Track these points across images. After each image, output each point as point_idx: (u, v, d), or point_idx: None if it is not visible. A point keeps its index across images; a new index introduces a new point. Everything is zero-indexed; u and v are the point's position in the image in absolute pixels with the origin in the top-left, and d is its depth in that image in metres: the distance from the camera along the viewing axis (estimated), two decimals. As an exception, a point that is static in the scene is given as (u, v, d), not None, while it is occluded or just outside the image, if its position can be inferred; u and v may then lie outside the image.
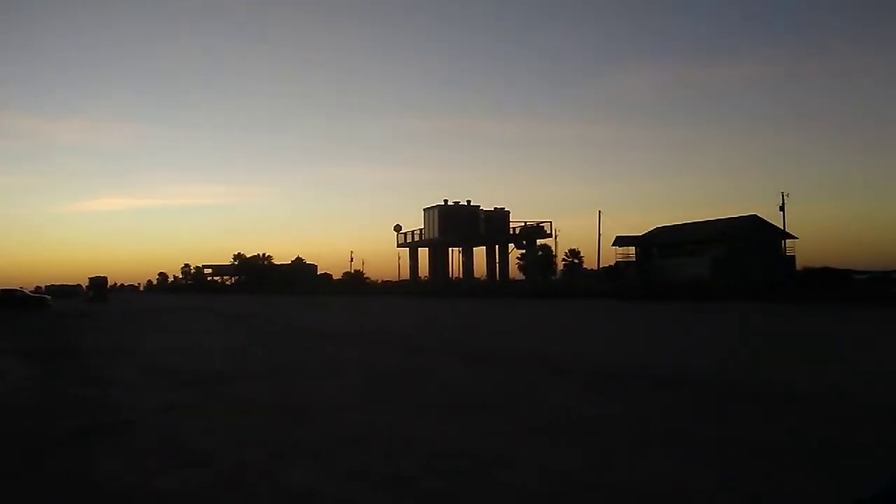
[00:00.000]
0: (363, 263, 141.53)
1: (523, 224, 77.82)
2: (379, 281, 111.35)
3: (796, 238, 64.78)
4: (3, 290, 55.05)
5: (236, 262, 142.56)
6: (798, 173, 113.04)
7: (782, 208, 63.25)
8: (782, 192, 63.74)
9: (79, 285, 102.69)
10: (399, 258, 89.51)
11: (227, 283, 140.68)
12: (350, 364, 13.69)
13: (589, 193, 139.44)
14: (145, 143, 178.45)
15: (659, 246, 69.75)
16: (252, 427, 7.67)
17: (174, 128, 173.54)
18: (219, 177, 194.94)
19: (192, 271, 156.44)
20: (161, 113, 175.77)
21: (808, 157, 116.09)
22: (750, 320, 25.31)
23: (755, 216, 65.15)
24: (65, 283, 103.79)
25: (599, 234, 74.37)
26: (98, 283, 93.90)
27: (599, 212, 74.26)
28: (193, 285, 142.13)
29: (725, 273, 55.22)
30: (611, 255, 73.33)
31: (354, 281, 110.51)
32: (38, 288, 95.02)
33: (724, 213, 68.87)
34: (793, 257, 63.70)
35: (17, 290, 57.75)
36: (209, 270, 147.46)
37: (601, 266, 73.28)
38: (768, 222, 64.44)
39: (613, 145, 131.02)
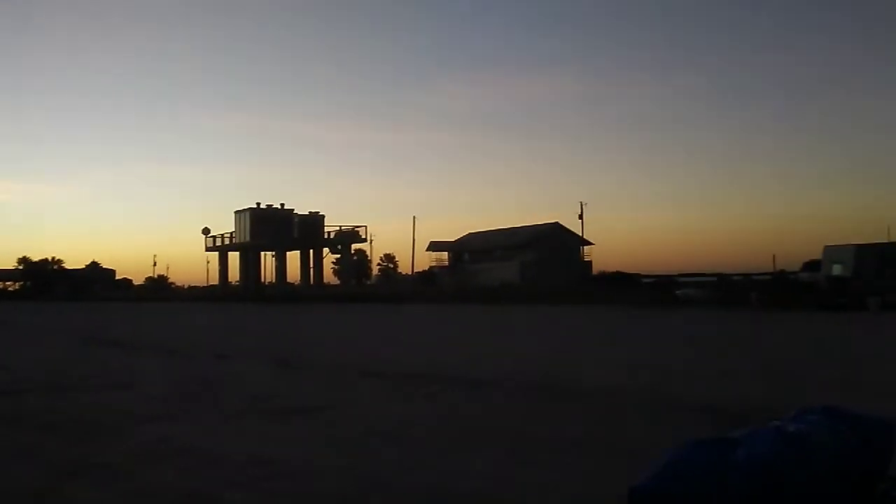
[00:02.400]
0: (168, 268, 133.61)
1: (338, 228, 77.44)
2: (185, 286, 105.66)
3: (593, 244, 69.99)
4: None
5: (20, 267, 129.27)
6: (597, 183, 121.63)
7: (581, 216, 68.02)
8: (580, 202, 68.62)
9: None
10: (208, 262, 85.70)
11: (10, 288, 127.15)
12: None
13: (404, 199, 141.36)
14: None
15: (470, 251, 72.35)
16: (32, 442, 6.92)
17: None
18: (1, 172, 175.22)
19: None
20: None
21: (606, 167, 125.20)
22: (531, 319, 26.91)
23: (557, 224, 69.59)
24: None
25: (414, 240, 75.80)
26: None
27: (414, 217, 75.70)
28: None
29: (532, 277, 58.41)
30: (425, 261, 75.01)
31: (157, 286, 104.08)
32: None
33: (532, 220, 72.91)
34: (590, 262, 68.71)
35: None
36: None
37: (415, 271, 74.69)
38: (569, 229, 69.07)
39: (428, 152, 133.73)
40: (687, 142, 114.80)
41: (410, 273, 76.29)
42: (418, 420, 7.85)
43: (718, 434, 2.15)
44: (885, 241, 40.37)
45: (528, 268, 62.77)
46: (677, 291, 42.12)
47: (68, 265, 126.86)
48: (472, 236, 74.28)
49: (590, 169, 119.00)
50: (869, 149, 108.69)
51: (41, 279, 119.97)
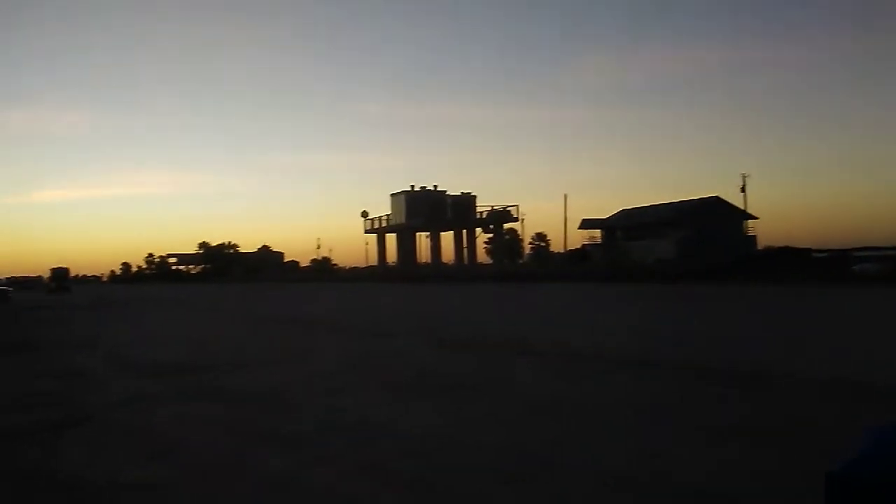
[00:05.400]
0: (330, 250, 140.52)
1: (490, 208, 78.08)
2: (346, 267, 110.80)
3: (757, 218, 66.04)
4: (-40, 282, 53.76)
5: (202, 251, 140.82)
6: (759, 154, 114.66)
7: (743, 189, 64.32)
8: (742, 174, 64.81)
9: (39, 277, 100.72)
10: (367, 244, 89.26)
11: (193, 272, 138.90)
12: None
13: (555, 177, 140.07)
14: (102, 132, 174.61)
15: (624, 228, 70.48)
16: (217, 414, 7.62)
17: (133, 116, 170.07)
18: (184, 165, 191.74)
19: (156, 261, 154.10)
20: (119, 101, 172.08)
21: (768, 137, 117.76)
22: (692, 298, 25.76)
23: (717, 197, 66.24)
24: (25, 276, 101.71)
25: (566, 218, 75.00)
26: (59, 274, 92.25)
27: (566, 195, 74.93)
28: (158, 275, 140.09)
29: (689, 254, 56.09)
30: (577, 239, 73.99)
31: (322, 268, 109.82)
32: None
33: (688, 195, 69.91)
34: (754, 237, 64.89)
35: (-26, 283, 56.45)
36: (174, 260, 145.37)
37: (567, 249, 73.90)
38: (730, 203, 65.55)
39: (579, 129, 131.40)
40: (857, 107, 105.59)
41: (563, 251, 75.72)
42: (578, 399, 7.85)
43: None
44: None
45: (686, 244, 60.29)
46: (854, 266, 38.92)
47: (242, 249, 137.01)
48: (625, 213, 72.39)
49: (750, 140, 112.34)
50: None
51: (219, 262, 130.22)
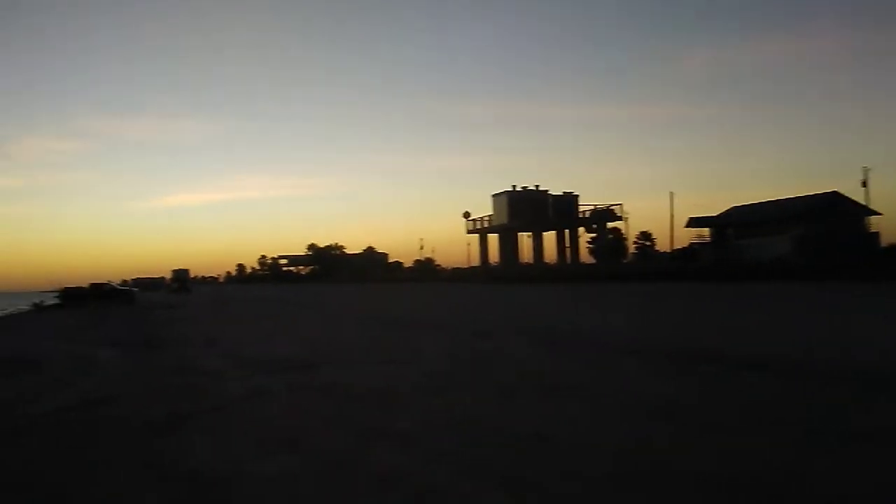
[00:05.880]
0: (433, 251, 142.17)
1: (593, 207, 76.96)
2: (449, 268, 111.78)
3: (880, 214, 62.08)
4: (93, 283, 57.94)
5: (310, 253, 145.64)
6: (879, 147, 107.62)
7: (864, 184, 60.58)
8: (864, 167, 61.03)
9: (162, 278, 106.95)
10: (469, 245, 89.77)
11: (302, 272, 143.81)
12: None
13: (660, 175, 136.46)
14: (217, 138, 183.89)
15: (735, 226, 67.76)
16: (335, 411, 7.89)
17: (245, 122, 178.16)
18: (291, 169, 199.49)
19: (268, 262, 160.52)
20: (232, 108, 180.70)
21: (892, 128, 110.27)
22: (812, 298, 24.39)
23: (836, 193, 62.78)
24: (149, 277, 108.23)
25: (672, 216, 73.01)
26: (181, 275, 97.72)
27: (671, 193, 73.09)
28: (270, 276, 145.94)
29: (806, 252, 53.37)
30: (684, 237, 71.71)
31: (425, 269, 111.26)
32: (124, 281, 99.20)
33: (803, 191, 66.52)
34: (877, 234, 61.02)
35: (105, 283, 60.70)
36: (284, 261, 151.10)
37: (674, 248, 71.82)
38: (850, 199, 61.97)
39: (683, 124, 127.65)
40: None
41: (669, 250, 73.62)
42: (686, 400, 7.65)
43: None
44: None
45: (803, 241, 57.36)
46: None
47: (348, 250, 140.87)
48: (736, 210, 69.62)
49: (871, 131, 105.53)
50: None
51: (326, 263, 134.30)
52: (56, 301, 58.04)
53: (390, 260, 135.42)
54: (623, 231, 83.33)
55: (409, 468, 5.47)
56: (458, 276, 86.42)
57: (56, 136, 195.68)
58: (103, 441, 7.04)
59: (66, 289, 57.75)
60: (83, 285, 57.70)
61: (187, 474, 5.64)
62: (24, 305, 61.25)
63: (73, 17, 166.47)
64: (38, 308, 51.83)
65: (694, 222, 70.04)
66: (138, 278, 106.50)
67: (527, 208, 74.78)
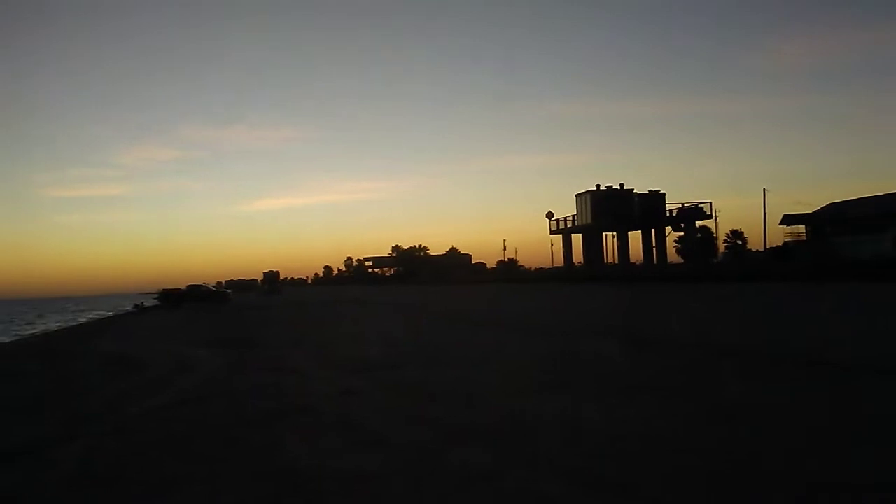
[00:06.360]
0: (516, 251, 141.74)
1: (680, 206, 74.95)
2: (532, 268, 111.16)
3: None
4: (190, 285, 60.47)
5: (394, 255, 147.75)
6: None
7: (981, 175, 56.72)
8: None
9: (254, 280, 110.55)
10: (552, 245, 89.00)
11: (387, 274, 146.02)
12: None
13: (751, 171, 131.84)
14: (306, 146, 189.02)
15: (834, 223, 64.67)
16: (419, 410, 7.98)
17: (332, 130, 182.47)
18: (377, 173, 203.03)
19: (353, 264, 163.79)
20: (320, 117, 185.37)
21: None
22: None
23: (948, 185, 59.08)
24: (242, 278, 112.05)
25: (765, 214, 70.47)
26: (271, 277, 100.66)
27: (764, 189, 70.18)
28: (355, 277, 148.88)
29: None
30: (778, 236, 68.97)
31: (508, 269, 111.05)
32: (219, 283, 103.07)
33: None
34: None
35: (202, 285, 63.25)
36: (369, 263, 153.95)
37: (767, 247, 69.15)
38: (963, 192, 58.22)
39: (774, 119, 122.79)
40: None
41: (762, 249, 70.92)
42: (790, 409, 7.37)
43: None
44: None
45: (908, 239, 54.19)
46: None
47: (432, 252, 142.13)
48: (835, 206, 66.38)
49: None
50: None
51: (410, 265, 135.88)
52: (155, 302, 60.93)
53: (473, 261, 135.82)
54: (713, 230, 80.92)
55: (495, 468, 5.49)
56: (542, 276, 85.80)
57: (160, 146, 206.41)
58: (202, 437, 7.36)
59: (165, 290, 60.49)
60: (180, 287, 60.29)
61: (280, 469, 5.83)
62: (127, 306, 64.62)
63: (177, 37, 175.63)
64: (140, 309, 54.54)
65: (788, 219, 67.24)
66: (231, 280, 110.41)
67: (611, 207, 73.52)
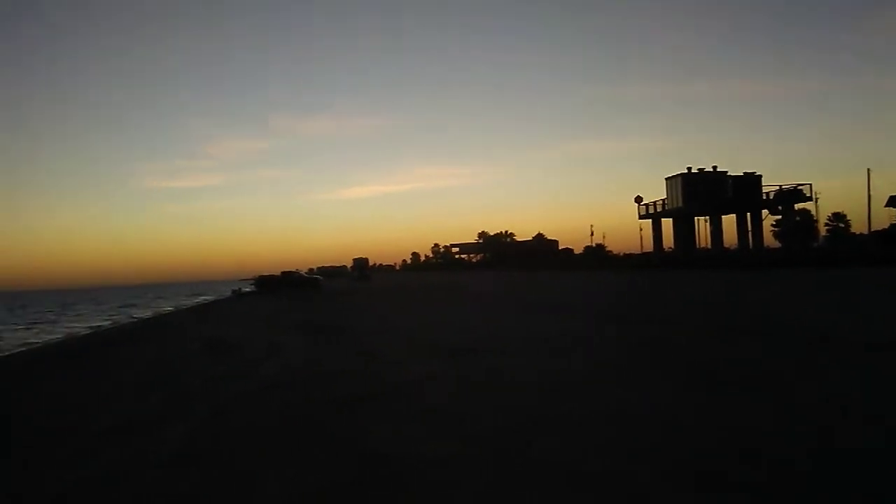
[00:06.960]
0: (604, 237, 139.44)
1: (778, 188, 71.90)
2: (620, 254, 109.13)
3: None
4: (283, 272, 62.72)
5: (481, 241, 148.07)
6: None
7: None
8: None
9: (344, 266, 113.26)
10: (641, 230, 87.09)
11: (473, 260, 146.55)
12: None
13: (855, 151, 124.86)
14: (393, 133, 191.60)
15: (947, 203, 60.74)
16: (500, 398, 8.17)
17: (418, 117, 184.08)
18: (463, 159, 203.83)
19: (440, 250, 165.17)
20: (406, 105, 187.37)
21: None
22: None
23: None
24: (332, 265, 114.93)
25: (869, 195, 66.81)
26: (361, 263, 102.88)
27: (868, 170, 66.55)
28: (443, 264, 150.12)
29: None
30: (885, 218, 65.29)
31: (595, 255, 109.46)
32: (310, 269, 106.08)
33: None
34: None
35: (294, 272, 65.47)
36: (456, 249, 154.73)
37: (872, 230, 65.59)
38: None
39: (878, 96, 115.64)
40: None
41: (866, 233, 67.25)
42: None
43: None
44: None
45: None
46: None
47: (518, 237, 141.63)
48: (949, 186, 62.48)
49: None
50: None
51: (496, 250, 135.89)
52: (251, 288, 63.44)
53: (560, 247, 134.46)
54: (813, 213, 77.29)
55: (571, 456, 5.62)
56: (631, 262, 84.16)
57: (251, 137, 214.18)
58: (293, 420, 7.78)
59: (261, 277, 62.92)
60: (275, 273, 62.51)
61: (364, 453, 6.14)
62: (226, 292, 67.67)
63: (262, 30, 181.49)
64: (238, 295, 56.97)
65: (895, 201, 63.59)
66: (322, 267, 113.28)
67: (704, 191, 71.21)
